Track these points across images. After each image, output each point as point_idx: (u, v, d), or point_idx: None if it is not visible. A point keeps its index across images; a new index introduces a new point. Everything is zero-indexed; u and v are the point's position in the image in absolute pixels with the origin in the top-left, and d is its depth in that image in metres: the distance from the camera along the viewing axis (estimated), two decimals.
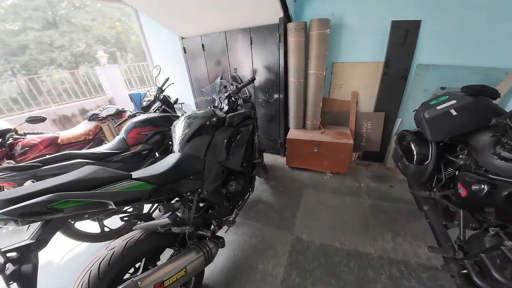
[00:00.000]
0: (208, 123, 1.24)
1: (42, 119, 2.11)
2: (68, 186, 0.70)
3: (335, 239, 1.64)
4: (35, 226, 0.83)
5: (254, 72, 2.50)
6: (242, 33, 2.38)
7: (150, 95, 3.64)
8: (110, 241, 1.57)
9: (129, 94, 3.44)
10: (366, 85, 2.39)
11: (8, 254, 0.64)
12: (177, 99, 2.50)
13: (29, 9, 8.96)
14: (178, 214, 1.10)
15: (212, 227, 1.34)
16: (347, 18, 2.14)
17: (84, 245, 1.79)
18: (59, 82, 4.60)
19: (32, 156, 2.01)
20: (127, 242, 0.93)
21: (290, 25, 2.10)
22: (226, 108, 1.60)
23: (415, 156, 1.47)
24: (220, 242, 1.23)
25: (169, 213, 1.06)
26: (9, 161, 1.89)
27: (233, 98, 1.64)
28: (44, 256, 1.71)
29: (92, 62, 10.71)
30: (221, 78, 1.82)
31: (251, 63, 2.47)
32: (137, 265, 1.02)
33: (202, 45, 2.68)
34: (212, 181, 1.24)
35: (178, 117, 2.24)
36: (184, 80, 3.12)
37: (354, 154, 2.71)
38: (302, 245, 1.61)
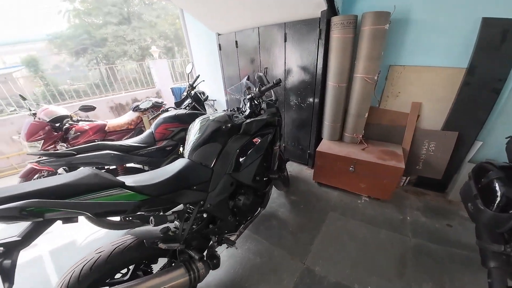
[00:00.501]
0: (221, 129, 1.13)
1: (92, 108, 2.38)
2: (55, 190, 0.68)
3: (356, 279, 1.35)
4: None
5: (287, 72, 2.26)
6: (276, 29, 2.15)
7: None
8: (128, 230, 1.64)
9: (171, 88, 3.63)
10: (435, 96, 1.86)
11: None
12: (207, 97, 2.46)
13: (108, 5, 10.58)
14: (171, 227, 1.01)
15: (211, 242, 1.23)
16: (415, 12, 1.68)
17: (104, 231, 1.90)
18: (129, 72, 5.24)
19: (82, 140, 2.30)
20: (115, 248, 0.90)
21: (335, 19, 1.76)
22: (247, 112, 1.45)
23: (498, 200, 1.10)
24: (213, 264, 1.13)
25: (162, 225, 0.97)
26: (62, 144, 2.19)
27: (255, 101, 1.48)
28: (68, 232, 1.90)
29: (165, 55, 12.04)
30: (248, 79, 1.66)
31: (283, 63, 2.23)
32: (124, 271, 0.99)
33: (236, 41, 2.57)
34: (218, 194, 1.13)
35: (204, 115, 2.23)
36: (218, 77, 3.11)
37: (405, 178, 2.20)
38: (312, 278, 1.38)
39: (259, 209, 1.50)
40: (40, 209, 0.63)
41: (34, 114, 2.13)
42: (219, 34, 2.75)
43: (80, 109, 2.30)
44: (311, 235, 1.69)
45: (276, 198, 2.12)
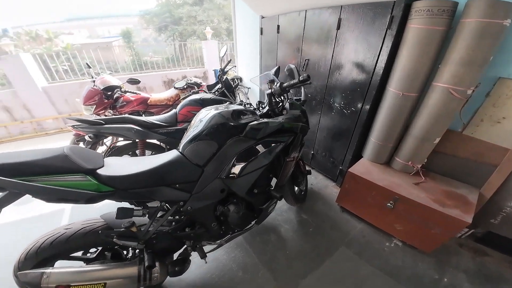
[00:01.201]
0: (220, 127, 0.96)
1: (138, 82, 2.57)
2: (18, 166, 0.67)
3: None
4: None
5: (334, 67, 1.80)
6: (328, 13, 1.70)
7: (232, 72, 3.71)
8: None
9: (213, 70, 3.61)
10: None
11: None
12: (237, 84, 2.30)
13: None
14: (138, 222, 0.94)
15: (185, 247, 1.13)
16: None
17: None
18: (192, 51, 5.64)
19: (127, 110, 2.55)
20: (81, 229, 0.90)
21: (419, 4, 1.23)
22: (265, 109, 1.23)
23: None
24: (173, 271, 1.03)
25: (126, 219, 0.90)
26: (109, 110, 2.46)
27: (276, 98, 1.24)
28: None
29: (218, 37, 12.51)
30: (277, 70, 1.39)
31: (331, 55, 1.78)
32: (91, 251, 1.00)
33: (278, 26, 2.22)
34: (203, 198, 1.00)
35: (230, 103, 2.09)
36: (256, 64, 2.85)
37: (467, 229, 1.58)
38: None
39: (252, 223, 1.30)
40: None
41: (94, 81, 2.45)
42: (262, 17, 2.44)
43: (127, 81, 2.52)
44: (307, 267, 1.41)
45: (284, 211, 1.87)
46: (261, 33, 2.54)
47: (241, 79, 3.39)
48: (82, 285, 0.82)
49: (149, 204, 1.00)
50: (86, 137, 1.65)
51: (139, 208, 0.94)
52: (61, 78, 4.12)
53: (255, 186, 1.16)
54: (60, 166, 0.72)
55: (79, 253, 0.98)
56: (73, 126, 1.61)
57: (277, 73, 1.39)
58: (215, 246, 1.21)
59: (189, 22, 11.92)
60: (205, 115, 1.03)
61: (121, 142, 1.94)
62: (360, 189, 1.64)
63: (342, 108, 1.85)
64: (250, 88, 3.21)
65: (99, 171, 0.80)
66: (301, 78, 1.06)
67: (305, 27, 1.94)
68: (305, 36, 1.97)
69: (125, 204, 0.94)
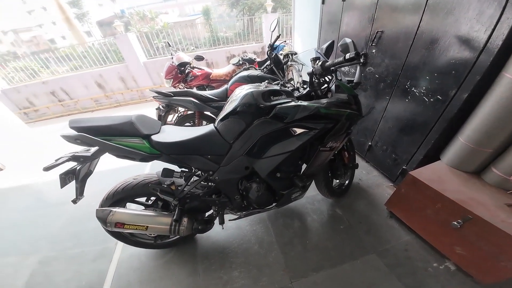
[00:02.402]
0: (247, 106, 0.96)
1: (202, 58, 2.80)
2: (102, 129, 0.91)
3: None
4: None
5: (425, 41, 1.29)
6: None
7: (287, 48, 3.40)
8: None
9: (269, 45, 3.39)
10: None
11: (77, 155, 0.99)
12: (287, 60, 2.14)
13: None
14: (178, 182, 1.11)
15: (211, 211, 1.27)
16: None
17: None
18: (258, 25, 5.58)
19: (194, 83, 2.88)
20: (142, 180, 1.13)
21: None
22: (305, 91, 1.13)
23: None
24: (197, 228, 1.18)
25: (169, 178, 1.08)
26: (182, 84, 2.83)
27: (317, 79, 1.08)
28: None
29: (284, 9, 11.47)
30: (329, 46, 1.19)
31: (416, 26, 1.32)
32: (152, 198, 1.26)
33: None
34: (229, 172, 1.08)
35: (276, 80, 1.99)
36: (313, 38, 2.45)
37: None
38: None
39: (273, 204, 1.29)
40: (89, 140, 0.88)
41: (172, 58, 2.84)
42: None
43: (195, 58, 2.79)
44: (323, 263, 1.32)
45: (317, 200, 1.74)
46: (323, 2, 2.11)
47: (296, 54, 3.09)
48: (132, 224, 1.06)
49: (187, 169, 1.15)
50: (160, 106, 2.01)
51: (179, 170, 1.11)
52: (161, 53, 4.96)
53: (279, 170, 1.12)
54: (127, 130, 0.93)
55: (143, 199, 1.26)
56: (153, 96, 1.97)
57: (329, 50, 1.18)
58: (236, 216, 1.30)
59: None
60: (239, 93, 1.03)
61: (187, 112, 2.24)
62: (421, 198, 1.30)
63: (423, 95, 1.40)
64: (304, 64, 2.90)
65: (153, 137, 0.98)
66: (348, 56, 0.86)
67: None
68: (380, 3, 1.51)
69: (173, 166, 1.12)
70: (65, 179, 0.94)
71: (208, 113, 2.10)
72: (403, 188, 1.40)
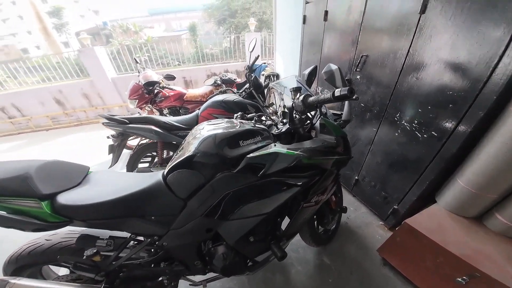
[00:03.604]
0: (206, 156, 0.69)
1: (173, 78, 2.48)
2: None
3: None
4: None
5: (416, 68, 1.11)
6: None
7: (269, 69, 3.23)
8: None
9: (247, 65, 3.21)
10: None
11: None
12: (267, 84, 1.89)
13: None
14: (102, 251, 0.75)
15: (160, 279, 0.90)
16: None
17: None
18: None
19: (165, 104, 2.51)
20: (58, 242, 0.80)
21: None
22: (284, 128, 0.86)
23: None
24: None
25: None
26: (149, 105, 2.46)
27: (298, 115, 0.83)
28: None
29: (269, 29, 11.90)
30: (313, 71, 0.95)
31: (405, 51, 1.14)
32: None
33: (325, 12, 1.61)
34: (183, 235, 0.76)
35: (256, 107, 1.71)
36: (295, 60, 2.29)
37: None
38: None
39: (246, 273, 0.97)
40: None
41: (139, 76, 2.48)
42: (307, 2, 1.85)
43: (164, 77, 2.46)
44: None
45: (301, 247, 1.42)
46: (304, 22, 1.96)
47: (278, 76, 2.91)
48: None
49: (117, 234, 0.81)
50: (110, 135, 1.62)
51: (103, 238, 0.76)
52: (145, 67, 4.61)
53: (252, 233, 0.83)
54: (16, 188, 0.62)
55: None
56: (103, 123, 1.58)
57: (312, 76, 0.94)
58: (197, 286, 0.96)
59: (243, 14, 11.71)
60: (198, 133, 0.75)
61: (146, 140, 1.87)
62: (419, 248, 1.09)
63: (415, 129, 1.20)
64: (286, 87, 2.71)
65: (60, 195, 0.67)
66: (338, 93, 0.62)
67: (365, 11, 1.31)
68: (364, 24, 1.34)
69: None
70: None
71: (174, 142, 1.74)
72: (399, 236, 1.19)
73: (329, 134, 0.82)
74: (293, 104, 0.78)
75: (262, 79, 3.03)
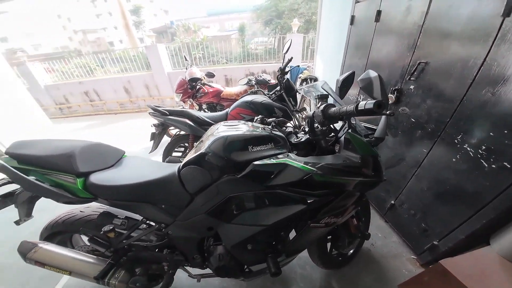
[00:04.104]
0: (214, 157, 0.69)
1: (213, 75, 2.62)
2: (38, 159, 0.77)
3: None
4: None
5: (494, 81, 0.86)
6: None
7: (307, 72, 3.05)
8: None
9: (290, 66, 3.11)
10: None
11: None
12: (296, 89, 1.81)
13: None
14: (117, 229, 0.85)
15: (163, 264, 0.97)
16: None
17: None
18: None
19: (204, 100, 2.70)
20: (88, 215, 0.92)
21: None
22: (303, 138, 0.80)
23: None
24: (136, 286, 0.89)
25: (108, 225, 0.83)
26: (191, 99, 2.67)
27: (320, 127, 0.77)
28: None
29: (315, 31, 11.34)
30: (347, 79, 0.83)
31: (481, 60, 0.90)
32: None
33: (378, 12, 1.39)
34: (187, 228, 0.81)
35: (284, 110, 1.66)
36: (338, 64, 2.08)
37: None
38: None
39: (240, 278, 0.96)
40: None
41: (186, 72, 2.72)
42: (357, 1, 1.63)
43: (205, 75, 2.62)
44: None
45: (309, 263, 1.29)
46: (351, 23, 1.75)
47: (315, 80, 2.73)
48: (53, 267, 0.84)
49: (131, 216, 0.90)
50: (153, 124, 1.82)
51: (120, 217, 0.86)
52: (195, 64, 5.07)
53: (251, 241, 0.80)
54: (61, 164, 0.74)
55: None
56: (149, 113, 1.79)
57: (348, 83, 0.81)
58: (193, 279, 0.99)
59: (290, 15, 11.44)
60: (214, 132, 0.76)
61: (182, 132, 2.02)
62: None
63: (480, 157, 0.94)
64: (317, 92, 2.52)
65: (93, 175, 0.78)
66: (362, 106, 0.53)
67: (428, 12, 1.07)
68: (426, 27, 1.11)
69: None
70: (3, 202, 0.82)
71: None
72: (427, 276, 1.00)
73: (354, 151, 0.72)
74: (314, 114, 0.71)
75: (298, 82, 2.91)
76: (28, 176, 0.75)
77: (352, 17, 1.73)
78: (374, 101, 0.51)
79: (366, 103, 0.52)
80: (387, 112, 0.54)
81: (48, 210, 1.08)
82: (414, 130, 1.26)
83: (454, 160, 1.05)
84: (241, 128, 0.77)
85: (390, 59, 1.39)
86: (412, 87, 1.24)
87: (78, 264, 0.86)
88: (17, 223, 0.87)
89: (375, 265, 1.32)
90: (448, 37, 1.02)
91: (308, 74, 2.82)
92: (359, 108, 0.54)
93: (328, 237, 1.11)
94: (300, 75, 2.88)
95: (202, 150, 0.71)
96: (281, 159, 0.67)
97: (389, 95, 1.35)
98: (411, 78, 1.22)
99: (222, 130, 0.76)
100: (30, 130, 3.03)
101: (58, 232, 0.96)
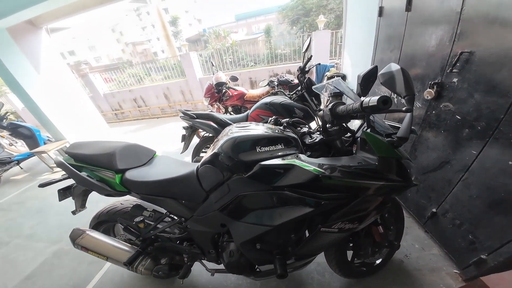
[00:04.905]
0: (225, 156, 0.73)
1: (236, 79, 2.73)
2: (89, 157, 0.94)
3: None
4: None
5: None
6: None
7: (334, 69, 2.87)
8: None
9: (315, 65, 2.98)
10: None
11: None
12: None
13: None
14: (148, 221, 0.96)
15: (184, 257, 1.05)
16: None
17: None
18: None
19: (229, 103, 2.83)
20: (126, 207, 1.06)
21: None
22: (317, 138, 0.79)
23: None
24: (156, 271, 1.01)
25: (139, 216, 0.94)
26: (217, 103, 2.82)
27: (334, 127, 0.74)
28: None
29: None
30: (369, 73, 0.77)
31: None
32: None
33: (409, 1, 1.23)
34: (202, 223, 0.88)
35: (305, 110, 1.62)
36: (367, 60, 1.90)
37: None
38: None
39: (250, 277, 0.97)
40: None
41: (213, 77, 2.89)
42: None
43: (230, 79, 2.74)
44: None
45: (329, 272, 1.21)
46: (380, 15, 1.58)
47: (344, 78, 2.55)
48: (95, 252, 0.98)
49: (158, 209, 1.01)
50: (184, 127, 2.00)
51: (149, 210, 0.97)
52: (226, 68, 5.41)
53: (260, 241, 0.82)
54: (104, 162, 0.89)
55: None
56: (180, 116, 1.98)
57: (370, 78, 0.75)
58: (209, 273, 1.06)
59: (318, 12, 10.92)
60: (227, 133, 0.81)
61: (209, 134, 2.16)
62: None
63: None
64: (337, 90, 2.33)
65: (128, 171, 0.90)
66: (367, 103, 0.50)
67: None
68: (465, 13, 0.95)
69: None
70: (63, 194, 1.01)
71: None
72: None
73: (370, 153, 0.67)
74: (323, 112, 0.69)
75: (324, 80, 2.78)
76: (80, 172, 0.92)
77: (381, 8, 1.58)
78: (378, 97, 0.47)
79: (370, 100, 0.49)
80: (403, 109, 0.49)
81: (93, 202, 1.26)
82: (460, 129, 1.09)
83: (510, 163, 0.87)
84: (252, 129, 0.79)
85: (426, 51, 1.23)
86: (455, 80, 1.08)
87: (113, 251, 0.99)
88: (73, 213, 1.06)
89: (407, 279, 1.18)
90: (495, 23, 0.86)
91: (334, 72, 2.67)
92: (363, 105, 0.51)
93: (350, 245, 1.05)
94: (326, 73, 2.75)
95: (215, 150, 0.75)
96: (289, 160, 0.67)
97: (428, 89, 1.19)
98: (454, 70, 1.06)
99: (234, 131, 0.80)
100: (92, 133, 3.68)
101: (103, 221, 1.11)
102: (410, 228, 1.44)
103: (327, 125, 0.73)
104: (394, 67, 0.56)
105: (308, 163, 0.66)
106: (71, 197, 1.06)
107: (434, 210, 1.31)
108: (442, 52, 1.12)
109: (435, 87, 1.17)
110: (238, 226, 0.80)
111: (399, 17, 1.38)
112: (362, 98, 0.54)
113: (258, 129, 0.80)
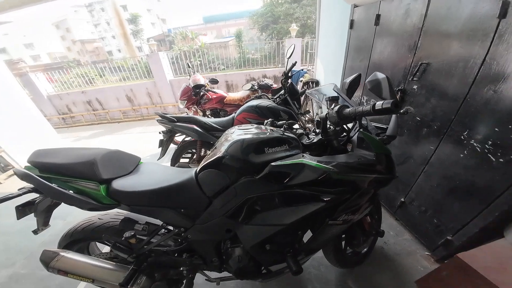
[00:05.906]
0: (232, 160, 0.71)
1: (216, 82, 2.67)
2: (59, 166, 0.78)
3: None
4: None
5: (494, 79, 0.91)
6: None
7: (308, 75, 3.11)
8: None
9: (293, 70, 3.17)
10: None
11: None
12: (303, 91, 1.85)
13: None
14: (138, 235, 0.86)
15: (181, 269, 0.97)
16: None
17: None
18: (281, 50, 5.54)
19: (207, 106, 2.74)
20: (107, 222, 0.93)
21: None
22: (315, 139, 0.83)
23: None
24: None
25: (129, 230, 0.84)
26: (195, 106, 2.71)
27: (331, 127, 0.81)
28: None
29: (312, 35, 11.54)
30: (354, 81, 0.88)
31: (480, 60, 0.94)
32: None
33: (377, 16, 1.45)
34: (205, 231, 0.82)
35: (289, 113, 1.69)
36: (338, 67, 2.13)
37: None
38: None
39: (258, 280, 0.97)
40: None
41: (189, 79, 2.77)
42: (355, 6, 1.71)
43: (209, 81, 2.67)
44: None
45: (323, 264, 1.32)
46: (351, 27, 1.82)
47: (317, 83, 2.79)
48: (76, 275, 0.84)
49: (152, 221, 0.91)
50: (161, 131, 1.85)
51: (141, 223, 0.87)
52: (196, 71, 5.13)
53: (269, 242, 0.82)
54: (84, 172, 0.76)
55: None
56: (157, 120, 1.83)
57: (355, 85, 0.87)
58: (211, 283, 1.00)
59: (286, 20, 11.65)
60: (229, 136, 0.79)
61: (189, 138, 2.05)
62: None
63: (488, 151, 0.97)
64: (324, 95, 2.57)
65: (115, 181, 0.79)
66: (379, 106, 0.57)
67: (427, 14, 1.14)
68: (426, 29, 1.17)
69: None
70: (23, 211, 0.82)
71: (211, 142, 1.88)
72: (445, 271, 1.02)
73: (368, 150, 0.75)
74: (327, 115, 0.74)
75: (299, 86, 2.96)
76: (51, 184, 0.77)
77: (351, 21, 1.80)
78: (391, 101, 0.54)
79: (383, 103, 0.56)
80: (402, 111, 0.57)
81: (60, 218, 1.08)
82: (420, 128, 1.29)
83: (461, 156, 1.08)
84: (256, 131, 0.80)
85: (392, 61, 1.44)
86: (415, 87, 1.28)
87: (101, 272, 0.86)
88: (35, 232, 0.86)
89: (390, 263, 1.33)
90: (448, 38, 1.07)
91: (309, 78, 2.88)
92: (376, 108, 0.57)
93: (343, 236, 1.13)
94: (301, 79, 2.94)
95: (219, 154, 0.73)
96: (297, 159, 0.70)
97: None
98: (414, 79, 1.26)
99: (238, 133, 0.79)
100: (37, 140, 3.06)
101: (77, 240, 0.96)
102: (383, 218, 1.62)
103: (327, 126, 0.79)
104: (380, 75, 0.63)
105: (315, 162, 0.69)
106: (30, 215, 0.86)
107: (402, 199, 1.51)
108: (404, 62, 1.32)
109: (399, 93, 1.38)
110: (246, 229, 0.78)
111: (368, 30, 1.59)
112: (373, 102, 0.60)
113: (261, 131, 0.80)
